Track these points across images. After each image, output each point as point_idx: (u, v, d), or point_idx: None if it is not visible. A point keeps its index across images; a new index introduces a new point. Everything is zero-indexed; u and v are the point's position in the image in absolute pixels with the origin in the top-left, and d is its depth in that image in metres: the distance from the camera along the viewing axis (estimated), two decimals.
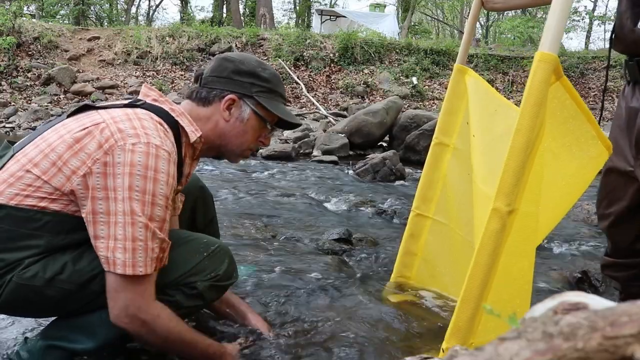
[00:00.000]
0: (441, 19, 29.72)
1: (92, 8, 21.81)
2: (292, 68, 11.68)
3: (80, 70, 10.66)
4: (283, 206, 3.45)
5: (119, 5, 25.09)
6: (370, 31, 15.02)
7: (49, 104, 9.29)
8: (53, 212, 1.11)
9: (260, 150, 5.63)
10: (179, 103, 1.32)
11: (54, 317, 1.28)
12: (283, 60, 11.64)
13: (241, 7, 21.18)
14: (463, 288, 1.15)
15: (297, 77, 11.29)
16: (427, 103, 11.40)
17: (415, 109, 9.47)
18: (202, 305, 1.33)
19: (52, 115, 8.17)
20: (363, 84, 11.54)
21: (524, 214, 1.16)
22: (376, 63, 12.42)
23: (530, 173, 1.15)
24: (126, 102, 1.26)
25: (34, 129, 6.88)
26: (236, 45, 11.99)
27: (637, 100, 1.48)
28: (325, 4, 26.56)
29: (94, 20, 22.51)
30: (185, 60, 11.56)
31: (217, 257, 1.28)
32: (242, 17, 19.50)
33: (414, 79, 11.87)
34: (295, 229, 2.83)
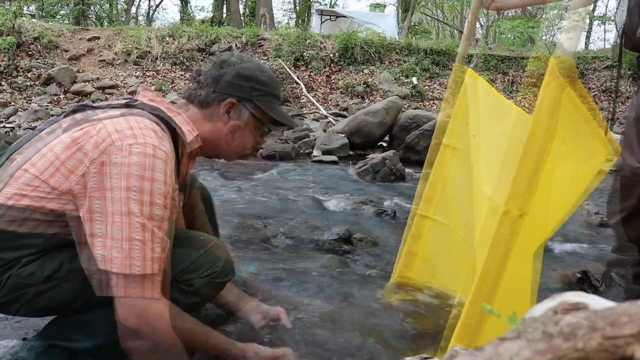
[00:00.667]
0: (441, 19, 29.69)
1: (92, 8, 21.79)
2: (292, 68, 11.66)
3: (80, 70, 10.65)
4: (283, 206, 3.45)
5: (119, 5, 25.07)
6: (370, 31, 15.01)
7: (49, 104, 9.28)
8: (50, 211, 1.11)
9: (260, 150, 5.63)
10: (176, 104, 1.33)
11: (54, 317, 1.28)
12: (283, 61, 11.63)
13: (241, 7, 21.16)
14: (472, 290, 1.14)
15: (297, 77, 11.28)
16: (427, 103, 11.39)
17: (415, 109, 9.45)
18: (200, 302, 1.33)
19: (52, 115, 8.15)
20: (363, 84, 11.53)
21: (533, 217, 1.16)
22: (376, 63, 12.41)
23: (542, 177, 1.15)
24: (124, 102, 1.26)
25: (33, 129, 6.84)
26: (236, 45, 11.97)
27: None
28: (325, 4, 26.56)
29: (94, 20, 22.48)
30: (185, 60, 11.54)
31: (214, 254, 1.29)
32: (242, 17, 19.49)
33: (414, 79, 11.86)
34: (295, 228, 2.83)
